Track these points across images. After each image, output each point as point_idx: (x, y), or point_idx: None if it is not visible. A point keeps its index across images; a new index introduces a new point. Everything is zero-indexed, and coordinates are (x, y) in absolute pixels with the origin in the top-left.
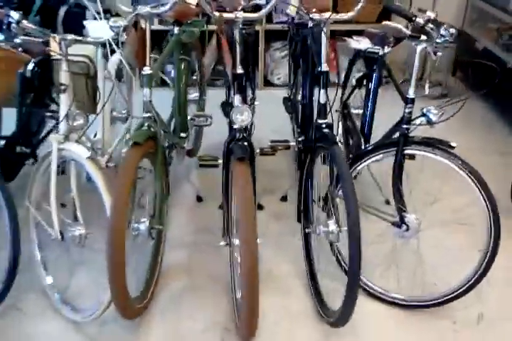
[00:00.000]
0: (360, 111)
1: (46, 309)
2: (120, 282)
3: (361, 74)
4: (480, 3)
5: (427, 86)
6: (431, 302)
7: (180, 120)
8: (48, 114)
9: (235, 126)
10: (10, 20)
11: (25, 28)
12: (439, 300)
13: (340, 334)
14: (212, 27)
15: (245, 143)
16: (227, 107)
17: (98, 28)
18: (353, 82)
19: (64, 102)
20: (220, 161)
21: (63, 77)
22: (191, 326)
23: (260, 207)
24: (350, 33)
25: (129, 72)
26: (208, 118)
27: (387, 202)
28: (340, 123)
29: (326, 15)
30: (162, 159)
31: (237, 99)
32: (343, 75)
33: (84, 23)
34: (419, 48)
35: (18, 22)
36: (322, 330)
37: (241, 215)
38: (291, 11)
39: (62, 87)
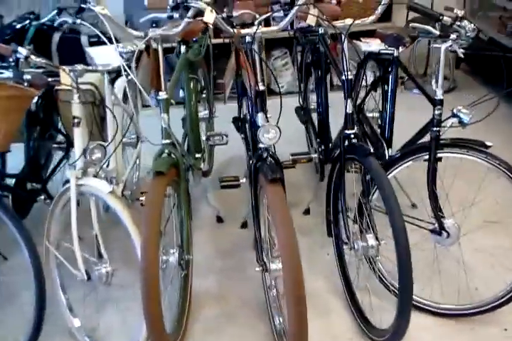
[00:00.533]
0: (375, 115)
1: None
2: (157, 318)
3: (375, 76)
4: None
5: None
6: (479, 310)
7: (195, 140)
8: (55, 145)
9: (261, 146)
10: (18, 56)
11: (35, 63)
12: (488, 307)
13: None
14: None
15: (274, 163)
16: (238, 122)
17: (102, 54)
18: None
19: (78, 136)
20: (242, 181)
21: (76, 109)
22: None
23: None
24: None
25: (145, 95)
26: (223, 136)
27: (414, 206)
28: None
29: (348, 21)
30: (185, 186)
31: (260, 117)
32: None
33: (87, 49)
34: (443, 47)
35: (26, 58)
36: None
37: (283, 240)
38: (311, 20)
39: (76, 120)
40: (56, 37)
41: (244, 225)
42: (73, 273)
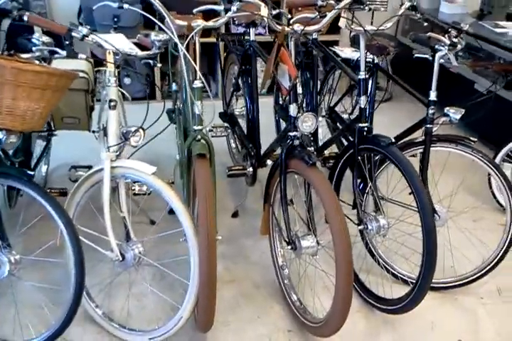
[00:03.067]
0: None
1: (101, 339)
2: (213, 296)
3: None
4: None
5: None
6: (460, 282)
7: None
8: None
9: (294, 134)
10: (74, 35)
11: (92, 42)
12: (467, 280)
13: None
14: None
15: (307, 149)
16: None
17: (114, 42)
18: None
19: (113, 118)
20: (249, 170)
21: (113, 92)
22: (256, 332)
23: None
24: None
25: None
26: (226, 128)
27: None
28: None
29: (368, 27)
30: (214, 169)
31: (293, 108)
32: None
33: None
34: (438, 55)
35: (83, 37)
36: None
37: (333, 221)
38: (342, 23)
39: (112, 103)
40: (5, 23)
41: (235, 214)
42: (104, 254)
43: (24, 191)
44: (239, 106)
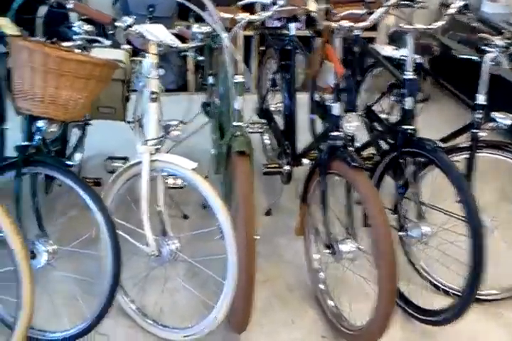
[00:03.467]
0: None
1: (134, 334)
2: (250, 297)
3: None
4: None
5: None
6: (504, 296)
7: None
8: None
9: (337, 134)
10: (117, 24)
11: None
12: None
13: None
14: None
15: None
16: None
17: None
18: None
19: (154, 111)
20: (286, 168)
21: (155, 84)
22: (290, 336)
23: None
24: None
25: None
26: (263, 124)
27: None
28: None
29: (417, 25)
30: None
31: (338, 107)
32: None
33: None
34: (489, 56)
35: (128, 27)
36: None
37: (377, 226)
38: (390, 21)
39: (154, 96)
40: (42, 10)
41: (268, 213)
42: (141, 248)
43: (62, 181)
44: (275, 102)
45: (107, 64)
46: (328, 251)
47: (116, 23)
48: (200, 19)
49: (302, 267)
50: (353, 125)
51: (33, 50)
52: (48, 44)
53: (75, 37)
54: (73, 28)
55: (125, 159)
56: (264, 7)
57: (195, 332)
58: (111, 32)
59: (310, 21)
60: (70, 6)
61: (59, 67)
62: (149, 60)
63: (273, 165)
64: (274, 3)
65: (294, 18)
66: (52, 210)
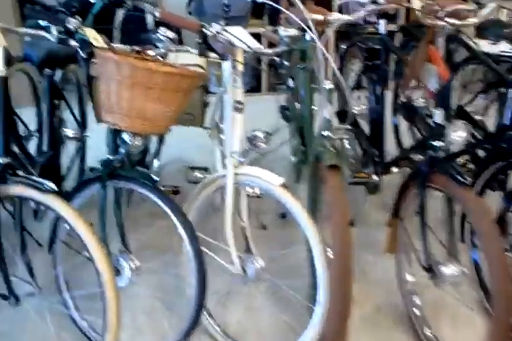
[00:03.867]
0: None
1: None
2: (345, 327)
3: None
4: None
5: None
6: None
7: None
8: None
9: (439, 144)
10: (205, 31)
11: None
12: None
13: None
14: None
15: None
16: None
17: (241, 36)
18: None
19: (239, 122)
20: (375, 178)
21: (239, 93)
22: None
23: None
24: None
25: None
26: (347, 130)
27: None
28: None
29: None
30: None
31: (439, 114)
32: None
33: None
34: None
35: (217, 33)
36: None
37: (490, 251)
38: (504, 15)
39: (239, 106)
40: (120, 14)
41: (351, 223)
42: (225, 267)
43: (147, 196)
44: (357, 105)
45: (196, 75)
46: (427, 274)
47: (204, 30)
48: (274, 18)
49: (391, 287)
50: (460, 135)
51: (120, 62)
52: (132, 53)
53: (158, 44)
54: (157, 35)
55: (206, 169)
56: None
57: None
58: (198, 40)
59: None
60: (157, 14)
61: (147, 79)
62: (238, 68)
63: (361, 175)
64: (373, 2)
65: (384, 15)
66: (133, 224)
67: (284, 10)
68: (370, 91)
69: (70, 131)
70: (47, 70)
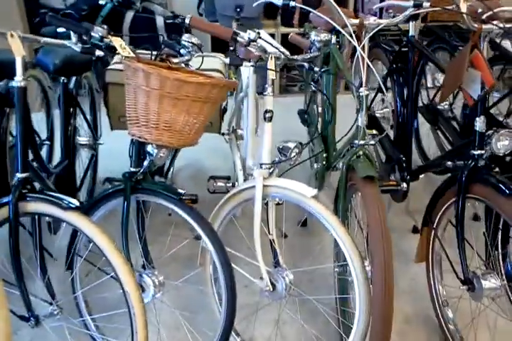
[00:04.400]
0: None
1: None
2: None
3: None
4: None
5: None
6: None
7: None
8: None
9: (480, 152)
10: (239, 39)
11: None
12: None
13: None
14: None
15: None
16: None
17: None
18: None
19: (269, 131)
20: (403, 185)
21: (270, 101)
22: None
23: None
24: None
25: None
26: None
27: None
28: None
29: None
30: None
31: (481, 122)
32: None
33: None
34: None
35: (251, 41)
36: None
37: None
38: None
39: (268, 115)
40: (129, 16)
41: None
42: (254, 282)
43: (173, 210)
44: (380, 109)
45: (226, 84)
46: (464, 287)
47: (239, 38)
48: (287, 19)
49: (420, 298)
50: (505, 144)
51: (149, 73)
52: (157, 61)
53: (183, 51)
54: (182, 42)
55: (228, 179)
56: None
57: None
58: (231, 48)
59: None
60: (187, 21)
61: (177, 90)
62: (270, 76)
63: (390, 183)
64: (416, 5)
65: (414, 17)
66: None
67: (318, 13)
68: (397, 94)
69: (83, 138)
70: (62, 78)
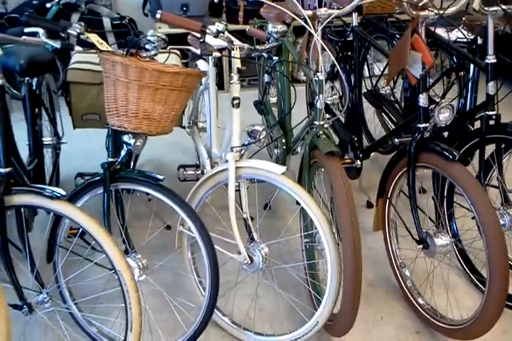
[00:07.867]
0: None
1: None
2: (357, 301)
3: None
4: None
5: None
6: None
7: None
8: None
9: (425, 125)
10: (208, 32)
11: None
12: None
13: None
14: None
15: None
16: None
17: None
18: None
19: (237, 117)
20: (359, 163)
21: (237, 90)
22: (383, 334)
23: None
24: None
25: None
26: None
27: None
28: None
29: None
30: None
31: (424, 98)
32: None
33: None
34: None
35: (219, 33)
36: None
37: (485, 220)
38: (476, 4)
39: (236, 101)
40: (75, 18)
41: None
42: (231, 258)
43: (154, 196)
44: (329, 96)
45: (199, 74)
46: (420, 246)
47: (206, 31)
48: (231, 17)
49: (379, 264)
50: (446, 116)
51: (127, 65)
52: (126, 56)
53: (148, 46)
54: (148, 37)
55: (197, 166)
56: None
57: (293, 339)
58: (201, 40)
59: None
60: (158, 16)
61: (156, 80)
62: (235, 65)
63: (346, 161)
64: None
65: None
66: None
67: (278, 7)
68: (345, 80)
69: (47, 138)
70: (26, 78)
